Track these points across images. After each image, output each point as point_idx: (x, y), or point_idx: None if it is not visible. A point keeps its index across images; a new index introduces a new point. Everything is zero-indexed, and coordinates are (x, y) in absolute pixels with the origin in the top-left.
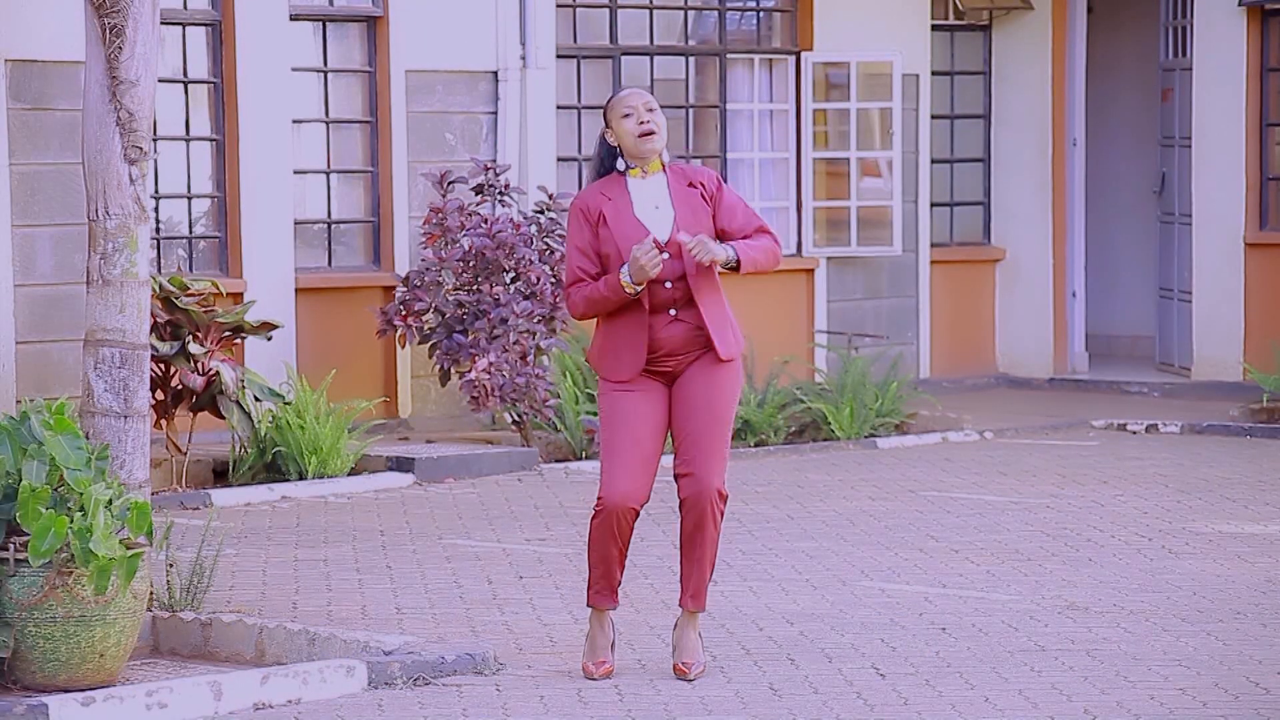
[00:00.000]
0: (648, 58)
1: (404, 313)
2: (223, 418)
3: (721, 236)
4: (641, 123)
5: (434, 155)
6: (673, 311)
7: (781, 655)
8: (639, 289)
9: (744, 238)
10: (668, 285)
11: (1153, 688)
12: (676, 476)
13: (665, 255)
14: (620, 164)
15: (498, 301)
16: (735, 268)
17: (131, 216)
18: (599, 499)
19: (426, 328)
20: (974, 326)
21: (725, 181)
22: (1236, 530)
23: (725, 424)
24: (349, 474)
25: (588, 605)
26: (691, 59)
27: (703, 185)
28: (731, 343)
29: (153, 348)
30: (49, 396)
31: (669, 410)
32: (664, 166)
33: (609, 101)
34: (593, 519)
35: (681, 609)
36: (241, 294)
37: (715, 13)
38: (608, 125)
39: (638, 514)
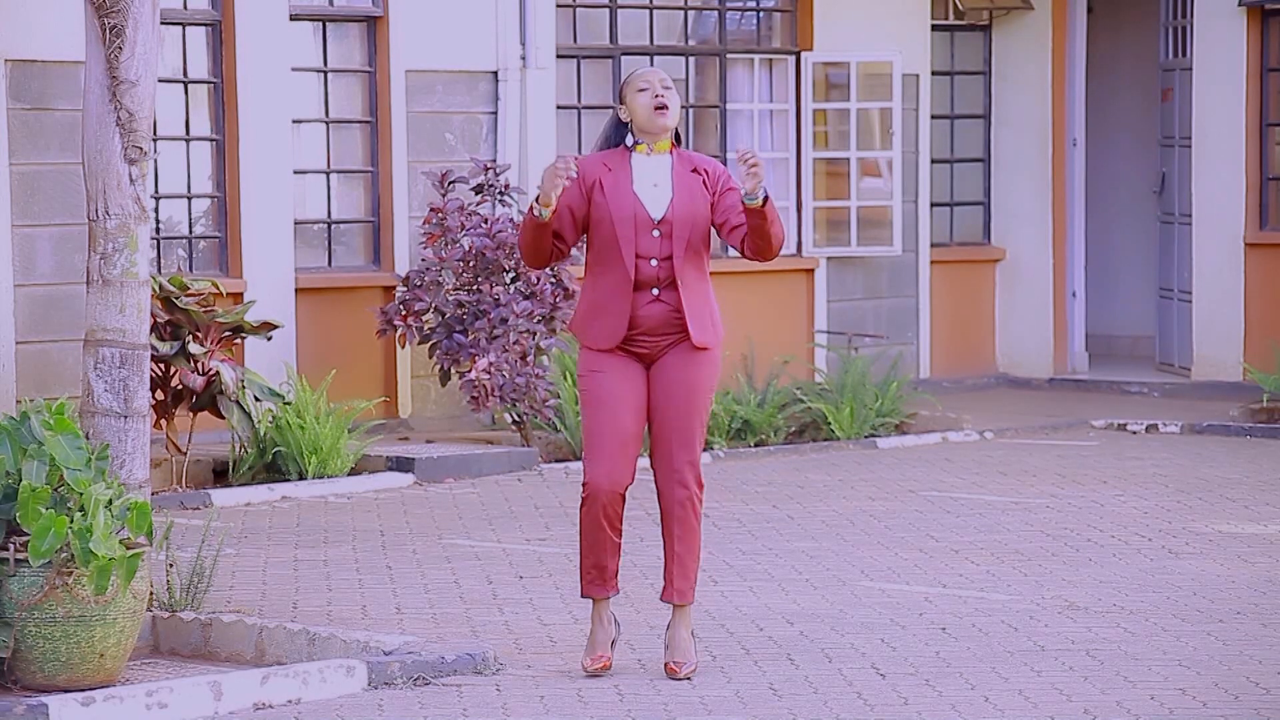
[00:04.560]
0: (648, 58)
1: (404, 313)
2: (223, 418)
3: (719, 227)
4: (657, 96)
5: (434, 155)
6: (655, 291)
7: (781, 655)
8: (545, 211)
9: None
10: (653, 263)
11: (1153, 688)
12: (652, 465)
13: (656, 234)
14: (629, 140)
15: (498, 301)
16: (762, 205)
17: (131, 216)
18: (584, 484)
19: (426, 328)
20: (974, 326)
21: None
22: (1236, 530)
23: (701, 413)
24: (349, 474)
25: (582, 596)
26: (691, 59)
27: (706, 173)
28: (709, 330)
29: (153, 348)
30: (49, 396)
31: (647, 394)
32: (672, 149)
33: (626, 78)
34: (581, 506)
35: (665, 602)
36: (241, 294)
37: (715, 13)
38: (622, 101)
39: (624, 497)
